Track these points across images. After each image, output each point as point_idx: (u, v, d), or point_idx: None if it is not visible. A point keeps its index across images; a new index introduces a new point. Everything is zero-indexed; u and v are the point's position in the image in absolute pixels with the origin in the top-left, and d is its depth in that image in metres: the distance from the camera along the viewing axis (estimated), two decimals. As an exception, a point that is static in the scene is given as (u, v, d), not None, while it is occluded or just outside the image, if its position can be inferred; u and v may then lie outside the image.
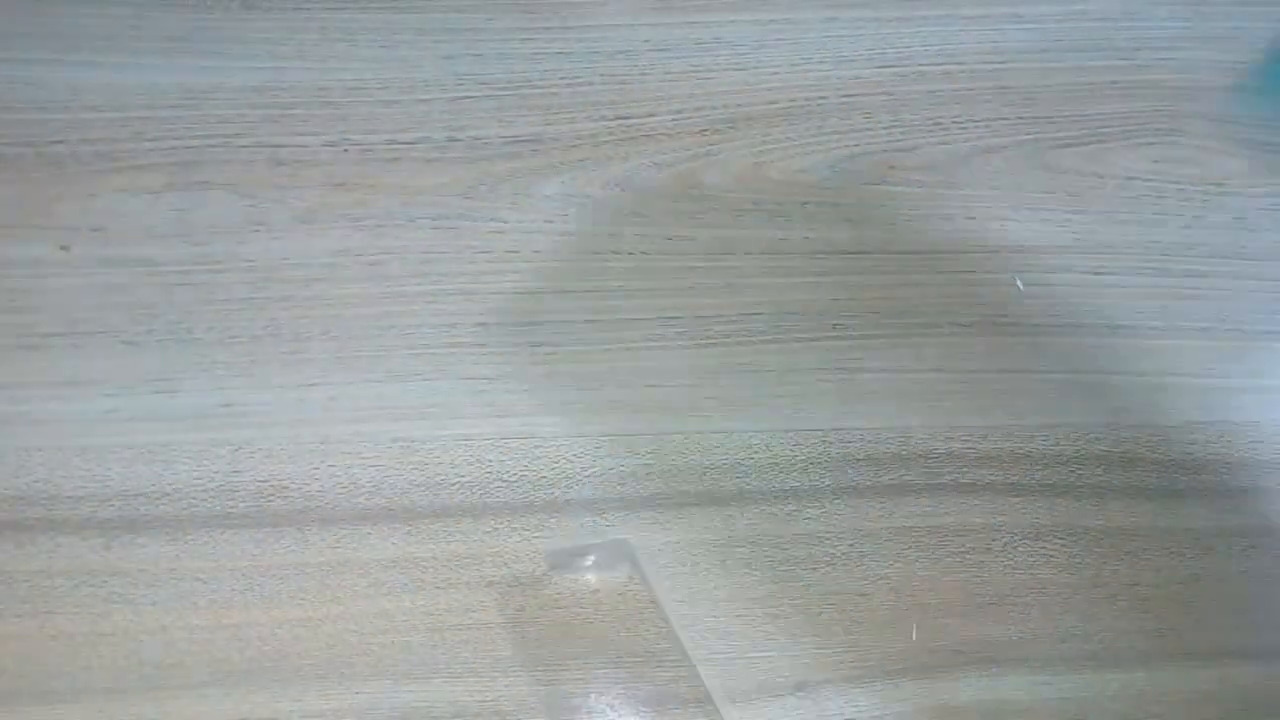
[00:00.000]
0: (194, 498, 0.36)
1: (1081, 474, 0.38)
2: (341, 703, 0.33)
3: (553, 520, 0.36)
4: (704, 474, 0.37)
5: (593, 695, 0.34)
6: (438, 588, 0.35)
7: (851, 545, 0.35)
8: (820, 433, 0.37)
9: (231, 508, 0.36)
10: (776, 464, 0.36)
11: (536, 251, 0.40)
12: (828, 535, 0.35)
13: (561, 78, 0.44)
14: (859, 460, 0.36)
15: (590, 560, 0.36)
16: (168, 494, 0.36)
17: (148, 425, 0.37)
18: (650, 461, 0.37)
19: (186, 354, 0.38)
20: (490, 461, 0.36)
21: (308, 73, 0.44)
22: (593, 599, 0.36)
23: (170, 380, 0.38)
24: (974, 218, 0.41)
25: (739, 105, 0.43)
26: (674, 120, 0.43)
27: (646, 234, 0.41)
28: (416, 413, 0.37)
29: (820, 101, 0.44)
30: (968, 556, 0.37)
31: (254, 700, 0.33)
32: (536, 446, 0.37)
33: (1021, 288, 0.40)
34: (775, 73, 0.44)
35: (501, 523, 0.35)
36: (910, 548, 0.36)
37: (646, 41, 0.45)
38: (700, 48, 0.45)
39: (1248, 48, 0.45)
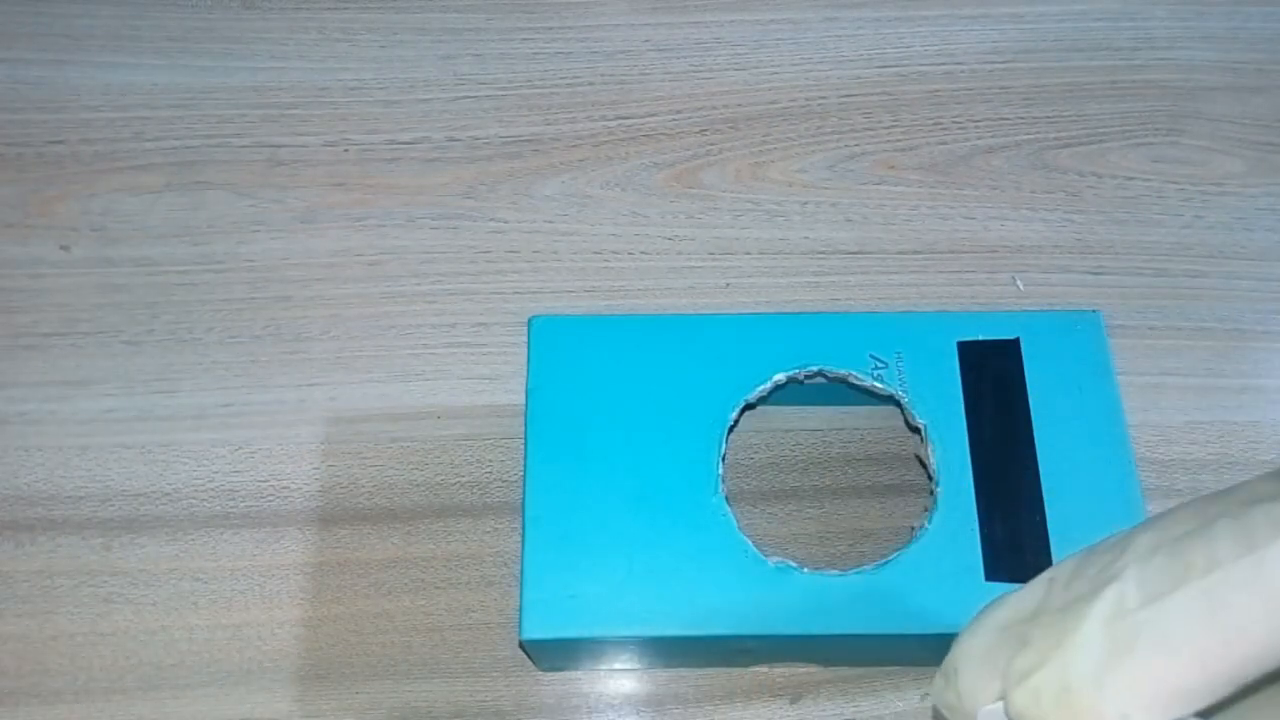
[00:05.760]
0: (194, 498, 0.36)
1: (1081, 474, 0.38)
2: (341, 703, 0.33)
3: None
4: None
5: (593, 694, 0.34)
6: (438, 588, 0.35)
7: (851, 545, 0.35)
8: (820, 433, 0.37)
9: (231, 508, 0.36)
10: (776, 464, 0.36)
11: (536, 251, 0.40)
12: (828, 535, 0.35)
13: (561, 78, 0.44)
14: (859, 460, 0.36)
15: None
16: (168, 494, 0.36)
17: (148, 425, 0.37)
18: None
19: (186, 354, 0.38)
20: (490, 461, 0.36)
21: (308, 73, 0.44)
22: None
23: (170, 380, 0.38)
24: (973, 217, 0.41)
25: (739, 105, 0.44)
26: (674, 120, 0.43)
27: (646, 234, 0.41)
28: (416, 413, 0.37)
29: (820, 101, 0.44)
30: (967, 556, 0.37)
31: (254, 700, 0.33)
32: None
33: (1021, 288, 0.40)
34: (775, 73, 0.44)
35: (502, 523, 0.35)
36: (910, 548, 0.36)
37: (646, 41, 0.45)
38: (700, 48, 0.45)
39: (1248, 48, 0.45)
